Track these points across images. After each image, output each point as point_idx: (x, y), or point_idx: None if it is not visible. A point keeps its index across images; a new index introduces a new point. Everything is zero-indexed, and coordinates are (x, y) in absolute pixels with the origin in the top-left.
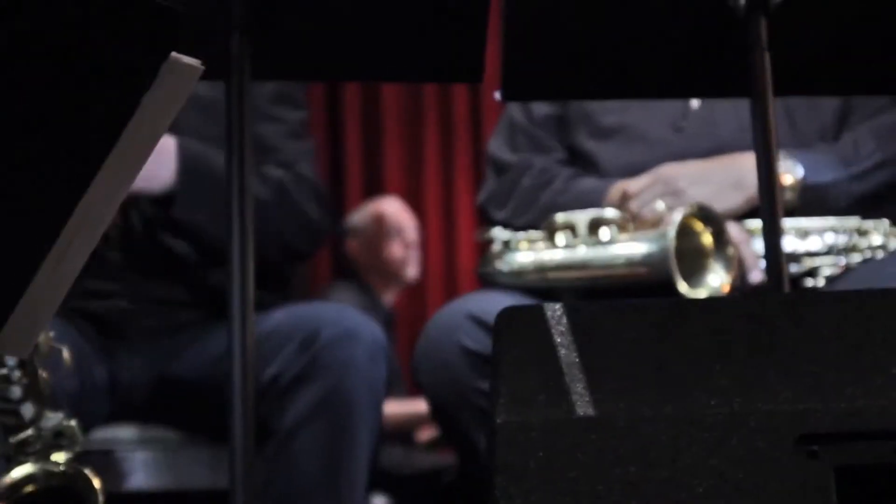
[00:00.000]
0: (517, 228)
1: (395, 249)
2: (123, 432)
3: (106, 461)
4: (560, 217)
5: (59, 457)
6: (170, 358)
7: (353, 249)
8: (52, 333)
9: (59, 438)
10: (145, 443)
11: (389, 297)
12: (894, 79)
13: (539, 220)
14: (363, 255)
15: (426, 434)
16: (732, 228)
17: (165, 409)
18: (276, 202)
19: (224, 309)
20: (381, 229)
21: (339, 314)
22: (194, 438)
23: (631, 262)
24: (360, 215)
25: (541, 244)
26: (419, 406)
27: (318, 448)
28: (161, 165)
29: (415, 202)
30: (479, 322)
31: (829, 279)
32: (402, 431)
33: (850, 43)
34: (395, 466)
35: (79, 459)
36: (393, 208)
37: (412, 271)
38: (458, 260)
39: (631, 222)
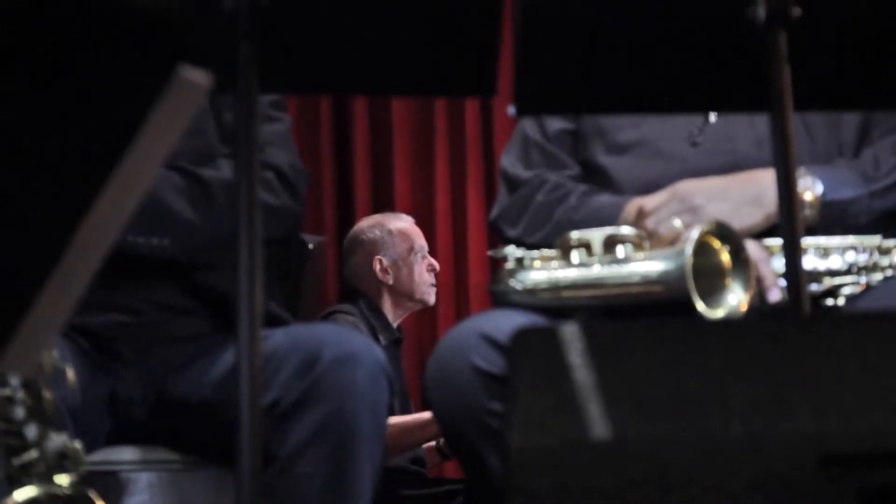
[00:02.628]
0: (531, 246)
1: (424, 271)
2: (126, 454)
3: (109, 483)
4: (575, 234)
5: (63, 479)
6: (168, 375)
7: (374, 267)
8: (55, 352)
9: (62, 460)
10: (148, 464)
11: (397, 318)
12: None
13: (553, 237)
14: (390, 276)
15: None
16: (751, 246)
17: (165, 430)
18: (226, 199)
19: (222, 317)
20: (412, 249)
21: (340, 337)
22: (198, 460)
23: (647, 281)
24: (378, 231)
25: (555, 262)
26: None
27: (320, 473)
28: None
29: (425, 218)
30: (491, 342)
31: (850, 298)
32: (412, 444)
33: (872, 56)
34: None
35: (83, 481)
36: (412, 226)
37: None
38: (468, 277)
39: (647, 240)
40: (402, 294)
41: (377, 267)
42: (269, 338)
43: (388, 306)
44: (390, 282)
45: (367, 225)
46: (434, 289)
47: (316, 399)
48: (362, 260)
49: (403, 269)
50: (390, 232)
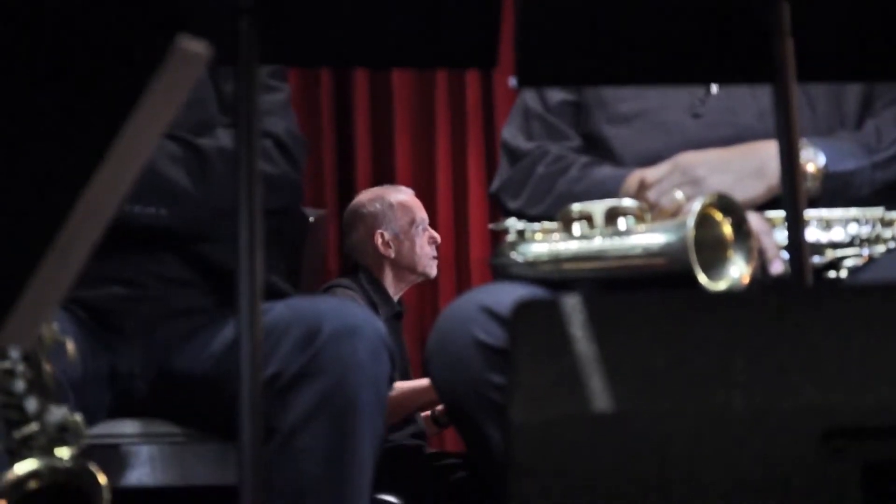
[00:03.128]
0: (532, 218)
1: (425, 244)
2: (127, 427)
3: (110, 456)
4: (576, 207)
5: (64, 452)
6: (169, 349)
7: (375, 241)
8: (55, 325)
9: (63, 433)
10: (150, 437)
11: (398, 291)
12: None
13: (554, 210)
14: (392, 249)
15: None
16: (753, 218)
17: (167, 403)
18: (224, 168)
19: (223, 290)
20: (413, 222)
21: (340, 309)
22: (199, 434)
23: (649, 253)
24: (379, 204)
25: (556, 234)
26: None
27: (322, 446)
28: None
29: (425, 192)
30: (493, 314)
31: (852, 270)
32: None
33: (875, 28)
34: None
35: (83, 454)
36: (413, 198)
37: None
38: (469, 250)
39: (649, 212)
40: (405, 267)
41: (379, 241)
42: (269, 311)
43: (389, 280)
44: (392, 255)
45: (368, 198)
46: (435, 261)
47: (317, 372)
48: (363, 234)
49: (405, 242)
50: (391, 205)
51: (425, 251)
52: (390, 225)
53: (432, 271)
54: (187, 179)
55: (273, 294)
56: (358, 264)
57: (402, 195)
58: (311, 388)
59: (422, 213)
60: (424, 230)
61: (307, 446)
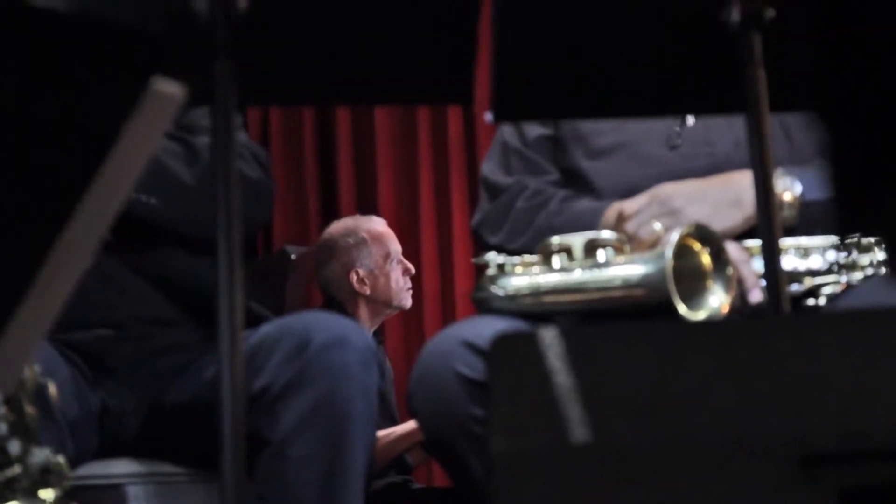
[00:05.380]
0: (512, 252)
1: (400, 277)
2: (116, 466)
3: (96, 497)
4: (555, 240)
5: (48, 494)
6: (159, 385)
7: (351, 279)
8: (37, 367)
9: (46, 475)
10: (138, 477)
11: (374, 325)
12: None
13: (534, 243)
14: (367, 286)
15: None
16: (731, 248)
17: (157, 440)
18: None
19: (208, 326)
20: (387, 256)
21: (328, 321)
22: (188, 472)
23: (628, 284)
24: (352, 239)
25: (536, 268)
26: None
27: (314, 456)
28: None
29: (409, 226)
30: (473, 348)
31: (831, 298)
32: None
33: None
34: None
35: (67, 496)
36: (385, 229)
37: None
38: (454, 284)
39: (628, 244)
40: (380, 302)
41: (354, 279)
42: (256, 332)
43: (364, 315)
44: (367, 292)
45: (340, 233)
46: (410, 292)
47: (307, 382)
48: (338, 271)
49: (380, 277)
50: (364, 240)
51: (400, 284)
52: (364, 261)
53: (407, 303)
54: (183, 170)
55: (253, 320)
56: (332, 298)
57: (375, 225)
58: (302, 398)
59: (395, 245)
60: (399, 262)
61: (300, 456)
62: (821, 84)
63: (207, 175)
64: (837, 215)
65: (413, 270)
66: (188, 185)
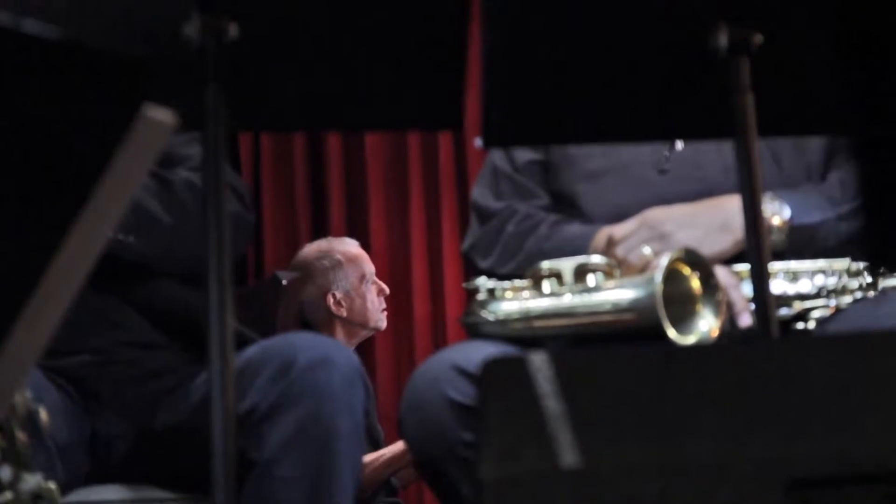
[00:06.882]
0: (502, 277)
1: (375, 297)
2: (106, 492)
3: None
4: (545, 265)
5: None
6: (148, 408)
7: (328, 302)
8: (28, 393)
9: (37, 501)
10: (128, 503)
11: (350, 346)
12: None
13: (524, 268)
14: (343, 308)
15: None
16: (720, 272)
17: (147, 464)
18: (191, 198)
19: (194, 350)
20: (363, 277)
21: (313, 341)
22: (176, 496)
23: (618, 309)
24: (327, 261)
25: (526, 292)
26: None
27: (301, 476)
28: None
29: (400, 251)
30: (463, 373)
31: (820, 322)
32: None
33: (834, 82)
34: None
35: None
36: (359, 250)
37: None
38: (444, 309)
39: (617, 268)
40: (357, 324)
41: (330, 301)
42: (242, 354)
43: (340, 337)
44: (344, 314)
45: (314, 255)
46: (385, 313)
47: (293, 402)
48: (314, 293)
49: (357, 299)
50: (340, 262)
51: (375, 305)
52: (341, 283)
53: (382, 324)
54: (159, 208)
55: (240, 343)
56: (307, 321)
57: (348, 247)
58: (287, 418)
59: (369, 266)
60: (373, 283)
61: (287, 476)
62: (848, 109)
63: (184, 212)
64: (869, 244)
65: (387, 291)
66: (165, 224)
